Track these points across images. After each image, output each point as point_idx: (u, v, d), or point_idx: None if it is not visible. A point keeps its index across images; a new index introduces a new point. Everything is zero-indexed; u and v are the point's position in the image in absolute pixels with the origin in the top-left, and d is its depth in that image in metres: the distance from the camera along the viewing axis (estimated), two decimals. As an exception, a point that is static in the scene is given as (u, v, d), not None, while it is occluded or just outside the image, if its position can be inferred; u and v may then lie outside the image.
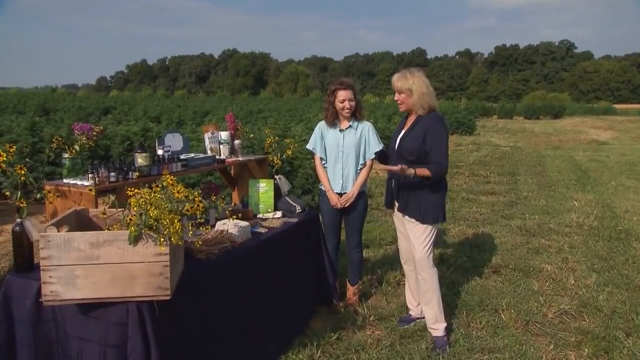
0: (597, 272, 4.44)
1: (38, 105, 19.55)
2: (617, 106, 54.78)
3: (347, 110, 3.42)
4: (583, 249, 5.17)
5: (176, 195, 2.12)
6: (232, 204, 3.83)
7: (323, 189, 3.62)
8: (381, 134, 14.68)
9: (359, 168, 3.54)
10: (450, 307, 3.72)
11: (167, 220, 1.96)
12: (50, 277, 2.02)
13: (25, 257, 2.37)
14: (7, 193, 2.07)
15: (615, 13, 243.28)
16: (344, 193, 3.53)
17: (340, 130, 3.51)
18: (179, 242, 2.04)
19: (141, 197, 1.95)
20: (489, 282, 4.23)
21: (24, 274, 2.33)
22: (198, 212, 2.13)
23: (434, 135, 3.02)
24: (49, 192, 2.46)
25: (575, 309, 3.72)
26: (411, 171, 2.94)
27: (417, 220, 3.11)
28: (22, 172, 2.28)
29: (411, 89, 3.04)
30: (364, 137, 3.51)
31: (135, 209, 1.94)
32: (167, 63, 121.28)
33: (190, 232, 2.11)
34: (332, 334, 3.28)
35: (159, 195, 2.02)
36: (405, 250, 3.42)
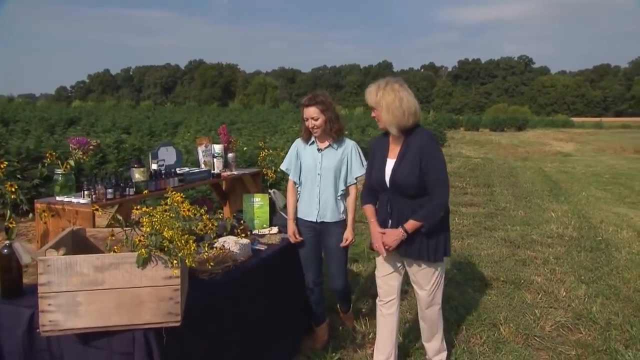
0: (585, 284, 4.50)
1: (-3, 115, 18.67)
2: (574, 119, 57.12)
3: (314, 130, 2.99)
4: (568, 259, 5.25)
5: (184, 213, 1.99)
6: (225, 219, 3.68)
7: (299, 217, 3.17)
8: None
9: (339, 195, 3.10)
10: (448, 323, 3.67)
11: (182, 241, 1.83)
12: (50, 305, 1.85)
13: (14, 282, 2.17)
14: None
15: (570, 31, 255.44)
16: (322, 222, 3.09)
17: (319, 150, 3.07)
18: (193, 264, 1.91)
19: (154, 217, 1.80)
20: (484, 296, 4.21)
21: (13, 300, 2.14)
22: (211, 232, 2.00)
23: (431, 161, 2.53)
24: (43, 211, 2.27)
25: (571, 321, 3.74)
26: (403, 234, 2.58)
27: (427, 261, 2.65)
28: (13, 189, 2.09)
29: (380, 103, 2.54)
30: (346, 158, 3.08)
31: (148, 229, 1.80)
32: (131, 73, 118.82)
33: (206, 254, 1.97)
34: (334, 354, 3.17)
35: (171, 214, 1.89)
36: (387, 289, 2.85)
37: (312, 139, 3.09)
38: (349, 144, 3.12)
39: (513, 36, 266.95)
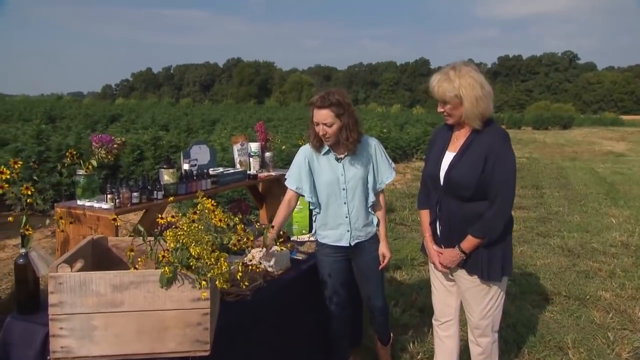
0: (663, 302, 4.00)
1: (44, 112, 19.26)
2: (623, 117, 54.39)
3: (325, 137, 2.43)
4: (638, 273, 4.72)
5: (215, 222, 1.70)
6: (261, 224, 3.41)
7: (326, 242, 2.62)
8: (394, 145, 14.07)
9: (369, 206, 2.59)
10: (507, 344, 3.28)
11: (212, 259, 1.54)
12: (61, 328, 1.61)
13: (29, 295, 1.96)
14: (11, 217, 1.72)
15: (618, 24, 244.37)
16: (357, 244, 2.58)
17: (338, 160, 2.52)
18: (225, 285, 1.62)
19: (179, 231, 1.53)
20: (545, 313, 3.78)
21: (28, 316, 1.92)
22: (246, 247, 1.72)
23: (499, 163, 2.11)
24: (62, 217, 2.04)
25: (651, 347, 3.28)
26: (461, 255, 2.24)
27: (479, 277, 2.24)
28: (29, 192, 1.87)
29: (459, 95, 2.10)
30: (372, 161, 2.57)
31: (172, 245, 1.52)
32: (171, 71, 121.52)
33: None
34: (380, 377, 2.85)
35: (199, 226, 1.61)
36: (443, 309, 2.52)
37: (326, 146, 2.52)
38: (371, 143, 2.59)
39: (557, 31, 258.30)
